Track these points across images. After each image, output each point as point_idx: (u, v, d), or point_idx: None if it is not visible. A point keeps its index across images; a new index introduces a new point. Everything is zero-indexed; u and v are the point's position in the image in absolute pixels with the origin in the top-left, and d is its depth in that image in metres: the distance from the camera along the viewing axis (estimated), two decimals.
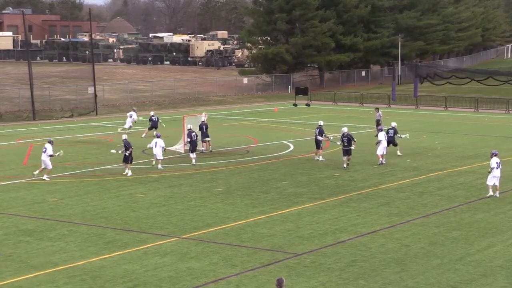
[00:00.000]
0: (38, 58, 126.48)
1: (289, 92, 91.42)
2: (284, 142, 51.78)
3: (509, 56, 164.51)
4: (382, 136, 43.38)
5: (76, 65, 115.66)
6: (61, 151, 40.24)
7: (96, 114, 70.89)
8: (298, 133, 56.66)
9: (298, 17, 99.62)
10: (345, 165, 41.54)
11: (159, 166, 41.70)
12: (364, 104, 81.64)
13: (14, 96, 75.57)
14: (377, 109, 59.61)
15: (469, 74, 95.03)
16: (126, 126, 56.54)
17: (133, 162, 40.28)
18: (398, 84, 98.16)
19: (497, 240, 27.63)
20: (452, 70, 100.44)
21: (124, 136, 40.84)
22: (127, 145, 39.72)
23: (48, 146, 38.43)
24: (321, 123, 45.93)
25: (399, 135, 46.10)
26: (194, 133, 43.71)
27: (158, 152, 41.78)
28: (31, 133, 57.52)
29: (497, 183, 34.73)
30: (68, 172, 40.48)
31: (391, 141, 45.44)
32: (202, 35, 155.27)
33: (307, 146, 48.97)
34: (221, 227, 29.17)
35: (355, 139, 42.10)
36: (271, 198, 34.35)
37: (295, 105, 79.96)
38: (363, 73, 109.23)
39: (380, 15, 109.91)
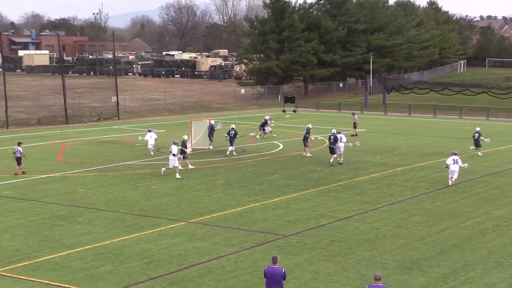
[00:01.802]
0: (70, 72, 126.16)
1: (279, 100, 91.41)
2: (275, 142, 51.71)
3: (461, 70, 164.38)
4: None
5: (101, 78, 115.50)
6: (179, 157, 38.54)
7: (118, 118, 70.77)
8: (286, 134, 56.58)
9: (286, 38, 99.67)
10: (331, 160, 41.16)
11: (152, 152, 44.61)
12: (341, 111, 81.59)
13: (50, 103, 75.50)
14: (353, 113, 59.79)
15: (429, 86, 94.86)
16: (267, 130, 54.73)
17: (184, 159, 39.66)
18: (370, 94, 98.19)
19: (451, 224, 27.65)
20: (415, 82, 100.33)
21: (185, 137, 40.93)
22: (183, 144, 39.47)
23: (174, 147, 37.25)
24: (310, 126, 46.08)
25: (482, 138, 46.45)
26: (232, 132, 45.06)
27: (153, 143, 44.85)
28: (64, 135, 57.40)
29: (455, 176, 35.15)
30: (95, 167, 40.41)
31: (476, 143, 46.21)
32: (206, 53, 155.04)
33: (294, 145, 48.96)
34: (222, 213, 29.15)
35: (344, 140, 41.88)
36: (264, 189, 34.33)
37: (284, 111, 79.87)
38: (341, 85, 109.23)
39: (355, 36, 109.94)
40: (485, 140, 46.92)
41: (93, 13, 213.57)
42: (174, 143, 37.79)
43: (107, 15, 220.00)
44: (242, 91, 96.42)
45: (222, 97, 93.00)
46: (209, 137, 47.82)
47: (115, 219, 28.11)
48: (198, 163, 41.88)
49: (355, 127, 56.88)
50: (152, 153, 44.67)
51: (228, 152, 44.80)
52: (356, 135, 55.47)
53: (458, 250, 23.98)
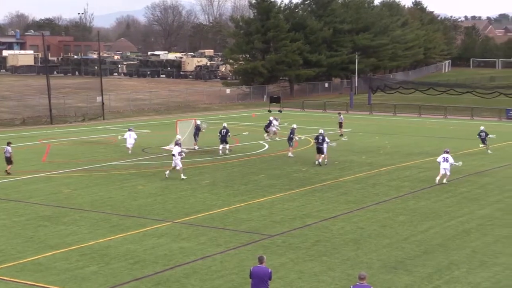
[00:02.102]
0: (55, 72, 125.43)
1: (264, 100, 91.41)
2: (260, 142, 51.70)
3: (446, 70, 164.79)
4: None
5: (86, 78, 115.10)
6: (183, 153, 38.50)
7: (103, 119, 70.58)
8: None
9: (272, 38, 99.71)
10: (318, 161, 41.12)
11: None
12: (327, 111, 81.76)
13: (35, 104, 75.17)
14: (339, 113, 60.10)
15: (414, 86, 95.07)
16: (271, 131, 53.81)
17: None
18: (355, 93, 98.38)
19: (436, 223, 27.76)
20: (400, 82, 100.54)
21: (178, 136, 41.49)
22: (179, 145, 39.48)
23: (176, 148, 36.83)
24: (295, 126, 46.20)
25: (490, 136, 47.95)
26: (224, 130, 45.35)
27: (132, 142, 45.57)
28: (49, 135, 57.18)
29: (448, 173, 35.96)
30: (80, 168, 40.28)
31: (483, 141, 47.71)
32: (192, 53, 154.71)
33: (279, 145, 48.97)
34: (208, 213, 29.13)
35: (328, 141, 41.89)
36: (249, 189, 34.34)
37: (269, 111, 79.81)
38: (326, 85, 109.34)
39: (340, 36, 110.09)
40: (491, 136, 48.30)
41: (78, 13, 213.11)
42: (177, 144, 37.66)
43: (92, 15, 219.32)
44: (228, 91, 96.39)
45: (208, 97, 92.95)
46: (194, 137, 47.77)
47: (100, 219, 28.03)
48: (184, 163, 41.80)
49: (341, 126, 57.14)
50: (129, 152, 45.18)
51: (227, 151, 45.27)
52: (342, 135, 55.64)
53: (442, 249, 24.08)
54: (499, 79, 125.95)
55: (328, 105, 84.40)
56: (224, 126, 46.12)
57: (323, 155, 41.33)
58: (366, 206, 30.78)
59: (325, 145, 41.34)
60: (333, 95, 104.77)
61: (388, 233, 26.19)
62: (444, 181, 35.81)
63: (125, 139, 45.97)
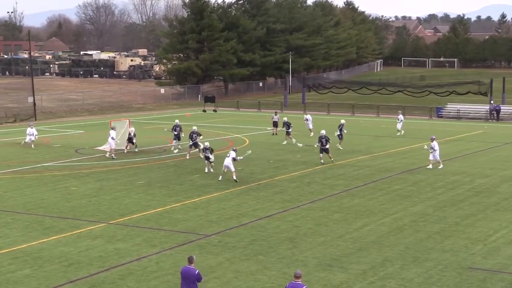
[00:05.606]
0: None
1: (199, 100, 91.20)
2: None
3: (378, 70, 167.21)
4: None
5: (17, 78, 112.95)
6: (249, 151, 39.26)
7: (35, 119, 69.28)
8: (207, 134, 56.39)
9: (206, 37, 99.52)
10: (322, 161, 41.78)
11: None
12: (261, 110, 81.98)
13: None
14: (276, 112, 60.35)
15: (347, 85, 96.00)
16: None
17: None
18: (289, 93, 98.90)
19: (370, 221, 28.09)
20: (333, 81, 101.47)
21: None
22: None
23: (232, 153, 35.92)
24: (195, 128, 45.40)
25: (345, 131, 49.18)
26: (178, 128, 46.93)
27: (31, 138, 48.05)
28: None
29: (438, 159, 40.50)
30: (11, 169, 39.48)
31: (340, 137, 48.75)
32: (125, 53, 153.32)
33: (214, 145, 48.83)
34: (143, 213, 28.90)
35: (330, 140, 42.80)
36: (185, 189, 34.20)
37: (204, 111, 79.73)
38: (261, 84, 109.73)
39: (274, 36, 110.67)
40: (345, 131, 49.37)
41: (7, 12, 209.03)
42: (233, 150, 36.73)
43: (22, 13, 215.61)
44: (162, 91, 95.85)
45: (142, 97, 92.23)
46: (131, 140, 46.39)
47: (33, 221, 27.53)
48: (118, 163, 41.42)
49: (275, 126, 57.22)
50: (23, 145, 47.87)
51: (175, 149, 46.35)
52: (276, 134, 55.97)
53: (377, 246, 24.39)
54: (429, 78, 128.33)
55: (263, 105, 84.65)
56: (176, 123, 47.35)
57: (329, 154, 42.38)
58: (301, 204, 30.97)
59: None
60: (267, 94, 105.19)
61: (323, 231, 26.39)
62: (441, 166, 40.41)
63: (27, 135, 48.07)
